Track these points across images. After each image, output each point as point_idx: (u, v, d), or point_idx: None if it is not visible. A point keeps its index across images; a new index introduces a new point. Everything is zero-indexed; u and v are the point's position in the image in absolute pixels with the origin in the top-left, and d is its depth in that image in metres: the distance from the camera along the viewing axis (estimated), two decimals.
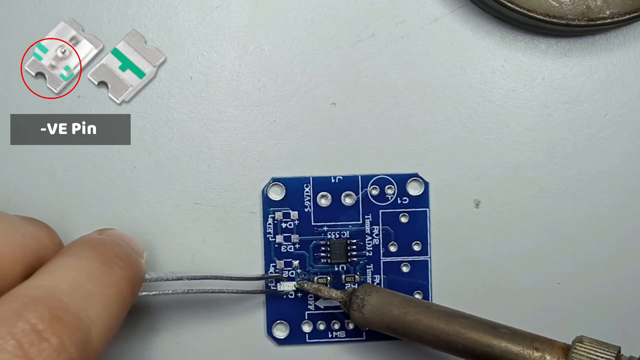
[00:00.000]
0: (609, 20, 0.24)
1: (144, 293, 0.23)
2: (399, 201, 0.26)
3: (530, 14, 0.24)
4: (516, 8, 0.24)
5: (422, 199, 0.26)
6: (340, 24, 0.26)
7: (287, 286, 0.26)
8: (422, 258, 0.26)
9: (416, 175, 0.26)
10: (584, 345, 0.21)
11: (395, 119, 0.26)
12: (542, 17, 0.24)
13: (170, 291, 0.24)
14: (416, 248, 0.26)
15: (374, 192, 0.26)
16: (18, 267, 0.19)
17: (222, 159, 0.26)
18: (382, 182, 0.26)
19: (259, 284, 0.26)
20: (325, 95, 0.26)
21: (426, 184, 0.26)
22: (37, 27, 0.25)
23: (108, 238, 0.22)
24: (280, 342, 0.26)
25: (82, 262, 0.19)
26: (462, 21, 0.26)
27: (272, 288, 0.26)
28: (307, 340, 0.26)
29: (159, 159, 0.26)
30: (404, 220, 0.26)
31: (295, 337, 0.26)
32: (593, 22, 0.24)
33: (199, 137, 0.26)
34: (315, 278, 0.26)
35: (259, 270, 0.26)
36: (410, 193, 0.26)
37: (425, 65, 0.26)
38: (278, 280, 0.26)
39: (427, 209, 0.26)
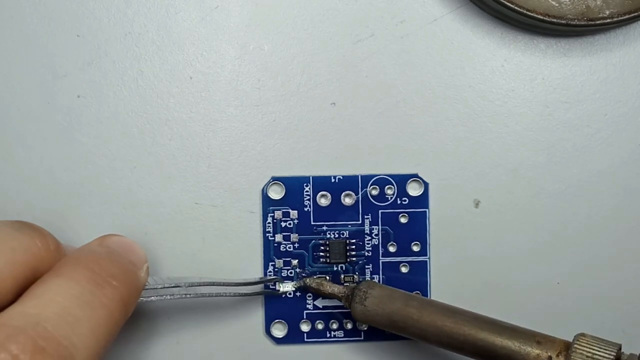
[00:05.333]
0: (608, 20, 0.24)
1: (141, 299, 0.22)
2: (399, 201, 0.26)
3: (529, 13, 0.24)
4: (516, 8, 0.24)
5: (422, 200, 0.26)
6: (339, 23, 0.26)
7: (286, 287, 0.26)
8: (421, 258, 0.26)
9: (416, 175, 0.26)
10: (586, 339, 0.21)
11: (395, 118, 0.26)
12: (542, 17, 0.24)
13: (168, 296, 0.23)
14: (415, 248, 0.26)
15: (374, 192, 0.26)
16: (8, 285, 0.19)
17: (221, 158, 0.26)
18: (382, 182, 0.26)
19: (258, 287, 0.26)
20: (324, 95, 0.26)
21: (426, 185, 0.26)
22: (37, 27, 0.25)
23: (105, 252, 0.22)
24: (278, 341, 0.26)
25: (71, 285, 0.19)
26: (461, 21, 0.26)
27: (270, 287, 0.26)
28: (306, 340, 0.26)
29: (158, 159, 0.26)
30: (403, 220, 0.26)
31: (293, 337, 0.26)
32: (593, 22, 0.24)
33: (199, 137, 0.26)
34: (314, 277, 0.26)
35: (258, 270, 0.26)
36: (410, 193, 0.26)
37: (425, 65, 0.26)
38: (276, 282, 0.26)
39: (427, 210, 0.26)
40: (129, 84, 0.26)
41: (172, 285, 0.23)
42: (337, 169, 0.26)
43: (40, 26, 0.25)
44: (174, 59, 0.26)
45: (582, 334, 0.21)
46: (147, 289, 0.23)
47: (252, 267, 0.26)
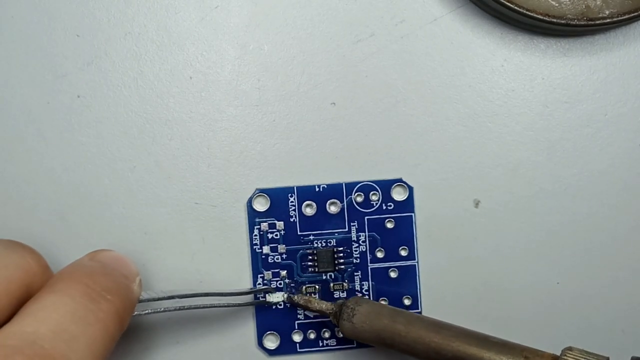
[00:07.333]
0: (608, 20, 0.24)
1: (135, 313, 0.22)
2: (384, 207, 0.26)
3: (529, 13, 0.24)
4: (516, 8, 0.24)
5: (407, 204, 0.26)
6: (339, 23, 0.26)
7: (276, 297, 0.26)
8: (409, 263, 0.26)
9: (400, 180, 0.26)
10: (573, 353, 0.21)
11: (395, 118, 0.26)
12: (542, 17, 0.24)
13: (163, 309, 0.23)
14: (403, 253, 0.26)
15: (359, 199, 0.26)
16: (4, 302, 0.19)
17: (221, 158, 0.26)
18: (366, 188, 0.26)
19: (249, 297, 0.26)
20: (324, 95, 0.26)
21: (410, 189, 0.26)
22: (37, 27, 0.25)
23: (98, 267, 0.22)
24: (271, 352, 0.26)
25: (66, 301, 0.19)
26: (461, 21, 0.26)
27: (261, 299, 0.26)
28: (298, 350, 0.26)
29: (158, 159, 0.26)
30: (389, 225, 0.26)
31: (286, 347, 0.26)
32: (592, 22, 0.24)
33: (199, 137, 0.26)
34: (304, 287, 0.26)
35: (249, 282, 0.26)
36: (395, 198, 0.26)
37: (424, 65, 0.26)
38: (267, 292, 0.26)
39: (412, 214, 0.26)
40: (128, 84, 0.26)
41: (165, 297, 0.23)
42: (339, 168, 0.26)
43: (40, 26, 0.25)
44: (174, 59, 0.26)
45: (570, 348, 0.21)
46: (141, 302, 0.23)
47: (250, 271, 0.26)
